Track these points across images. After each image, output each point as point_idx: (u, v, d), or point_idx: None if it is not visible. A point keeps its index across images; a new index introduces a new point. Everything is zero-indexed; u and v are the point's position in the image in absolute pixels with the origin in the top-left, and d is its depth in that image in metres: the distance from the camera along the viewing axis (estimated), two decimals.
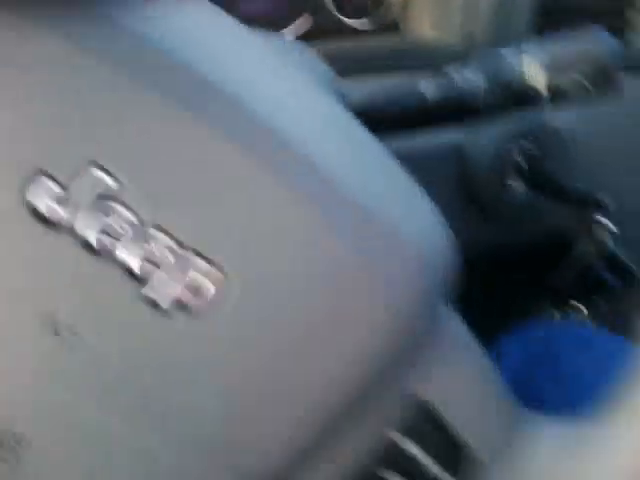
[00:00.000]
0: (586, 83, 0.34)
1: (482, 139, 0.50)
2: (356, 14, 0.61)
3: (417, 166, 0.52)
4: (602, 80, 0.34)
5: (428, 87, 0.38)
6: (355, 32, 0.61)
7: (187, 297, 0.20)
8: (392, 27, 0.61)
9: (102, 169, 0.19)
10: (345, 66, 0.55)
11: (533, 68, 0.35)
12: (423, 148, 0.51)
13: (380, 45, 0.56)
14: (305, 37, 0.60)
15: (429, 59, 0.53)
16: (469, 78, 0.37)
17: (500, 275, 0.59)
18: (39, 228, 0.19)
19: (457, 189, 0.53)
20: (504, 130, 0.50)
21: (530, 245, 0.57)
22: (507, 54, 0.36)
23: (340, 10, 0.60)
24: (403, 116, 0.41)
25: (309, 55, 0.43)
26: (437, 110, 0.38)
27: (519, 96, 0.36)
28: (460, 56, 0.52)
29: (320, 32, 0.60)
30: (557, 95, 0.35)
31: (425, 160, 0.51)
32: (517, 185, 0.51)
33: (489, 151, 0.50)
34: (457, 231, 0.54)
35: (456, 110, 0.38)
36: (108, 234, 0.19)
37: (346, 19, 0.61)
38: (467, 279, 0.63)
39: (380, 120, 0.40)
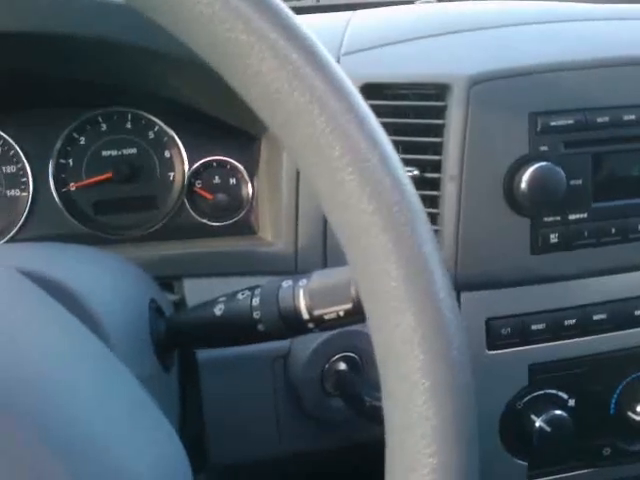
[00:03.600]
0: (342, 315, 0.37)
1: (306, 348, 0.53)
2: (214, 216, 0.66)
3: (246, 372, 0.54)
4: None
5: (220, 308, 0.41)
6: (211, 232, 0.65)
7: None
8: (248, 230, 0.66)
9: None
10: (194, 266, 0.59)
11: (302, 300, 0.38)
12: (252, 354, 0.54)
13: (228, 248, 0.60)
14: (161, 236, 0.64)
15: (264, 265, 0.58)
16: (252, 304, 0.40)
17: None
18: None
19: (285, 393, 0.55)
20: (328, 339, 0.53)
21: (353, 448, 0.58)
22: (285, 286, 0.39)
23: (197, 211, 0.66)
24: (204, 332, 0.43)
25: (130, 269, 0.47)
26: (224, 328, 0.41)
27: (290, 323, 0.38)
28: (291, 263, 0.57)
29: (176, 231, 0.65)
30: (321, 323, 0.38)
31: (254, 366, 0.54)
32: (336, 393, 0.53)
33: (312, 360, 0.53)
34: (285, 432, 0.56)
35: (238, 329, 0.40)
36: None
37: (203, 220, 0.66)
38: (299, 476, 0.63)
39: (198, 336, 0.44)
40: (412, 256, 0.23)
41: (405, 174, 0.24)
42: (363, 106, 0.24)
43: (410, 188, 0.24)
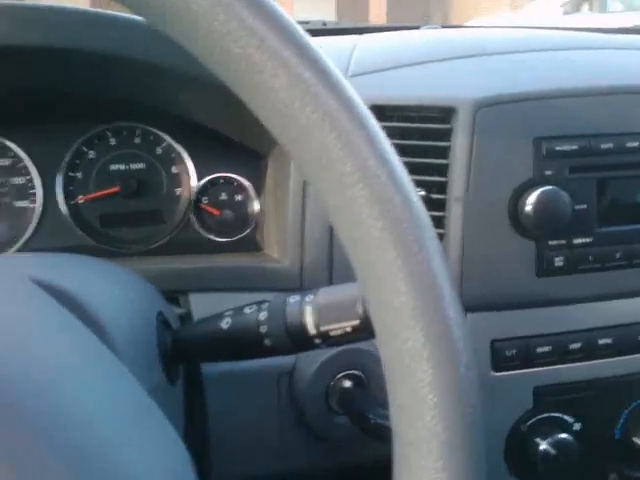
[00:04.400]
0: (349, 331, 0.37)
1: (311, 364, 0.53)
2: (220, 232, 0.66)
3: (251, 387, 0.54)
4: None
5: (227, 322, 0.41)
6: (217, 248, 0.66)
7: None
8: (254, 246, 0.66)
9: None
10: (200, 281, 0.59)
11: (309, 315, 0.38)
12: (257, 370, 0.54)
13: (234, 264, 0.60)
14: (167, 251, 0.65)
15: (269, 282, 0.58)
16: (259, 319, 0.40)
17: None
18: None
19: (289, 410, 0.55)
20: (333, 357, 0.53)
21: (356, 467, 0.57)
22: (292, 301, 0.39)
23: (203, 226, 0.66)
24: (210, 346, 0.43)
25: (137, 281, 0.47)
26: (231, 341, 0.41)
27: (297, 338, 0.39)
28: (296, 280, 0.57)
29: (182, 246, 0.65)
30: (327, 339, 0.38)
31: (259, 381, 0.54)
32: (341, 410, 0.53)
33: (317, 377, 0.53)
34: (289, 449, 0.56)
35: (244, 344, 0.40)
36: None
37: (209, 235, 0.66)
38: None
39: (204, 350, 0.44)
40: (421, 272, 0.24)
41: (414, 191, 0.25)
42: (374, 124, 0.25)
43: (419, 205, 0.25)
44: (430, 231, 0.24)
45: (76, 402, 0.26)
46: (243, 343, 0.41)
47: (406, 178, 0.24)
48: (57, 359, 0.28)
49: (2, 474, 0.22)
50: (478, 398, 0.24)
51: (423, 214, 0.24)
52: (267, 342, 0.40)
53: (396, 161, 0.25)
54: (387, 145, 0.25)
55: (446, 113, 0.56)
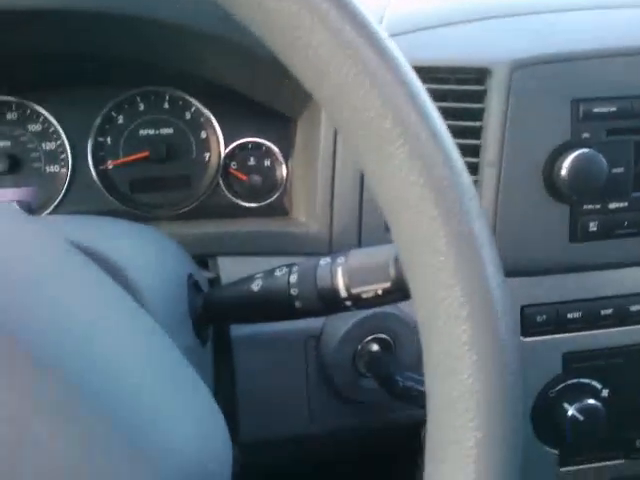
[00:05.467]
0: (380, 293, 0.37)
1: (339, 328, 0.53)
2: (248, 197, 0.66)
3: (279, 350, 0.55)
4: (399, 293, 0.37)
5: (258, 284, 0.42)
6: (245, 213, 0.66)
7: None
8: (281, 211, 0.66)
9: None
10: (229, 245, 0.60)
11: (340, 278, 0.38)
12: (285, 333, 0.54)
13: (262, 229, 0.60)
14: (195, 216, 0.65)
15: (297, 246, 0.58)
16: (290, 281, 0.40)
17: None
18: None
19: (317, 373, 0.55)
20: (360, 321, 0.53)
21: (383, 429, 0.58)
22: (323, 263, 0.39)
23: (231, 191, 0.66)
24: (241, 308, 0.43)
25: (169, 244, 0.47)
26: (261, 304, 0.41)
27: (327, 300, 0.39)
28: (325, 245, 0.57)
29: (210, 211, 0.65)
30: (359, 301, 0.38)
31: (287, 345, 0.55)
32: (368, 373, 0.53)
33: (344, 340, 0.53)
34: (316, 412, 0.56)
35: (274, 306, 0.40)
36: None
37: (237, 200, 0.66)
38: (328, 455, 0.64)
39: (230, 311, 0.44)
40: (462, 231, 0.23)
41: (455, 150, 0.24)
42: (415, 80, 0.24)
43: (460, 164, 0.24)
44: (471, 190, 0.24)
45: (111, 356, 0.26)
46: (274, 305, 0.41)
47: (447, 136, 0.24)
48: (93, 316, 0.28)
49: (43, 421, 0.23)
50: (517, 359, 0.24)
51: (464, 172, 0.24)
52: (298, 304, 0.40)
53: (438, 118, 0.24)
54: (429, 102, 0.24)
55: (480, 74, 0.54)
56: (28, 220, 0.34)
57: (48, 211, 0.64)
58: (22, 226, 0.32)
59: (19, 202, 0.62)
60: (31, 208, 0.62)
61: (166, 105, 0.65)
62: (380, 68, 0.23)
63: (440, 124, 0.24)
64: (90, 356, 0.26)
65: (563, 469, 0.61)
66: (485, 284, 0.23)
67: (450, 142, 0.24)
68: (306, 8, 0.23)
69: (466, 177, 0.24)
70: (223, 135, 0.66)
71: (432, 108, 0.24)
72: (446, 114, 0.55)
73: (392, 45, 0.24)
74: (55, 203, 0.64)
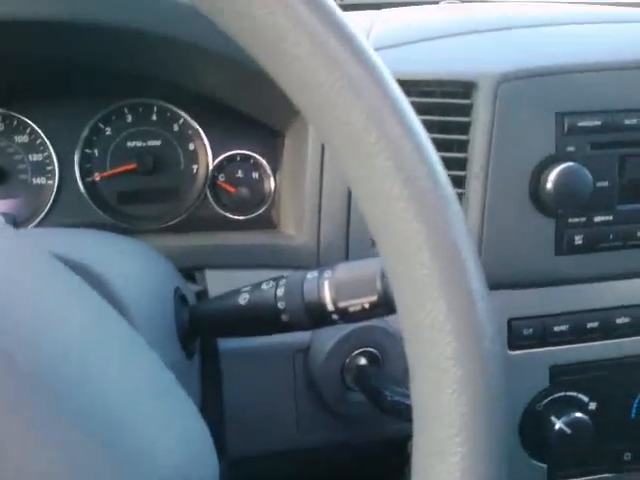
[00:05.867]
0: (367, 307, 0.37)
1: (326, 342, 0.53)
2: (235, 209, 0.66)
3: (266, 364, 0.54)
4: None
5: (245, 298, 0.41)
6: (233, 226, 0.66)
7: None
8: (269, 224, 0.66)
9: None
10: (216, 258, 0.59)
11: (327, 291, 0.38)
12: (272, 347, 0.54)
13: (250, 242, 0.60)
14: (183, 228, 0.65)
15: (285, 259, 0.58)
16: (277, 294, 0.40)
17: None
18: None
19: (305, 387, 0.55)
20: (348, 334, 0.53)
21: (371, 443, 0.58)
22: (310, 277, 0.39)
23: (219, 204, 0.66)
24: (228, 321, 0.43)
25: (156, 257, 0.47)
26: (248, 317, 0.41)
27: (315, 314, 0.39)
28: (312, 258, 0.57)
29: (198, 224, 0.65)
30: (346, 315, 0.38)
31: (274, 359, 0.54)
32: (356, 387, 0.53)
33: (332, 354, 0.53)
34: (304, 425, 0.56)
35: (261, 319, 0.40)
36: None
37: (225, 213, 0.66)
38: (316, 469, 0.63)
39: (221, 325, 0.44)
40: (446, 244, 0.23)
41: (439, 163, 0.24)
42: (399, 93, 0.24)
43: (444, 177, 0.24)
44: (455, 203, 0.24)
45: (96, 374, 0.26)
46: (260, 319, 0.41)
47: (431, 149, 0.24)
48: (78, 330, 0.28)
49: (26, 442, 0.22)
50: (502, 371, 0.24)
51: (448, 186, 0.24)
52: (285, 318, 0.40)
53: (422, 132, 0.24)
54: (413, 115, 0.24)
55: (467, 88, 0.55)
56: (13, 233, 0.34)
57: (34, 223, 0.64)
58: (6, 239, 0.32)
59: (4, 214, 0.61)
60: (16, 221, 0.62)
61: (154, 117, 0.65)
62: (364, 82, 0.23)
63: (424, 137, 0.24)
64: (74, 370, 0.25)
65: None
66: (469, 297, 0.23)
67: (434, 155, 0.24)
68: (292, 21, 0.23)
69: (450, 190, 0.24)
70: (211, 147, 0.66)
71: (416, 122, 0.24)
72: (432, 127, 0.56)
73: (377, 59, 0.24)
74: (42, 215, 0.64)
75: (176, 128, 0.66)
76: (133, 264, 0.41)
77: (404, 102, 0.24)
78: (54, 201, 0.64)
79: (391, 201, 0.23)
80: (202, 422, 0.31)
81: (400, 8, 0.77)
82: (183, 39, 0.52)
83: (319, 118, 0.24)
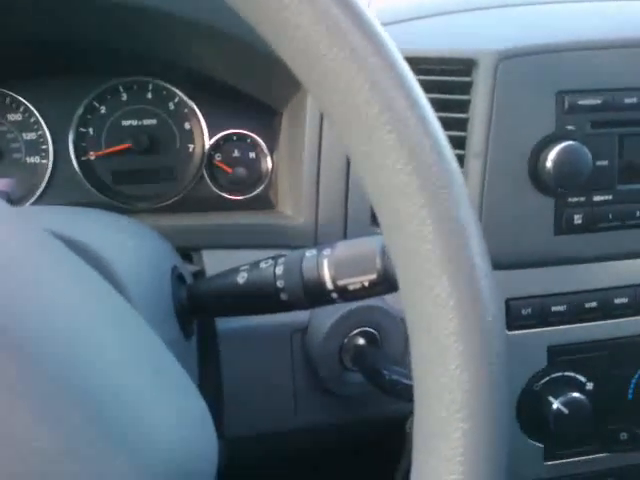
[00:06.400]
0: (367, 285, 0.37)
1: (325, 322, 0.53)
2: (232, 189, 0.65)
3: (264, 344, 0.54)
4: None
5: (243, 276, 0.41)
6: (230, 206, 0.65)
7: None
8: (267, 204, 0.66)
9: None
10: (213, 238, 0.59)
11: (326, 269, 0.38)
12: (270, 327, 0.53)
13: (247, 221, 0.60)
14: (179, 208, 0.64)
15: (283, 239, 0.57)
16: (275, 273, 0.40)
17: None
18: None
19: (303, 367, 0.55)
20: (346, 314, 0.53)
21: (369, 422, 0.58)
22: (309, 255, 0.39)
23: (216, 184, 0.65)
24: (226, 300, 0.43)
25: (152, 236, 0.46)
26: (247, 296, 0.41)
27: (314, 293, 0.38)
28: (310, 237, 0.57)
29: (194, 204, 0.65)
30: (345, 293, 0.38)
31: (272, 338, 0.54)
32: (354, 367, 0.53)
33: (330, 334, 0.53)
34: (302, 405, 0.56)
35: (260, 298, 0.40)
36: None
37: (222, 193, 0.65)
38: (314, 449, 0.63)
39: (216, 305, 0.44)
40: (449, 218, 0.23)
41: (444, 136, 0.24)
42: (403, 65, 0.24)
43: (448, 150, 0.24)
44: (459, 177, 0.24)
45: (94, 351, 0.26)
46: (259, 297, 0.41)
47: (435, 122, 0.24)
48: (74, 308, 0.27)
49: (26, 417, 0.22)
50: (504, 349, 0.23)
51: (452, 159, 0.24)
52: (283, 296, 0.40)
53: (426, 104, 0.24)
54: (417, 87, 0.24)
55: (467, 65, 0.54)
56: (7, 210, 0.33)
57: (29, 203, 0.63)
58: (3, 216, 0.31)
59: None
60: (10, 199, 0.61)
61: (149, 95, 0.64)
62: (369, 53, 0.23)
63: (429, 110, 0.24)
64: (72, 349, 0.25)
65: (548, 463, 0.61)
66: (472, 273, 0.23)
67: (439, 129, 0.24)
68: None
69: (455, 164, 0.24)
70: (207, 126, 0.65)
71: (421, 94, 0.24)
72: (432, 105, 0.55)
73: (381, 30, 0.24)
74: (36, 195, 0.63)
75: (172, 107, 0.65)
76: (130, 242, 0.41)
77: (409, 74, 0.24)
78: (49, 180, 0.63)
79: (394, 174, 0.23)
80: (201, 399, 0.31)
81: None
82: (181, 16, 0.51)
83: (320, 90, 0.23)
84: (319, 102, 0.24)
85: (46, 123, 0.63)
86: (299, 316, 0.53)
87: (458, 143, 0.55)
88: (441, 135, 0.24)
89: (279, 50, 0.24)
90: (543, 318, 0.57)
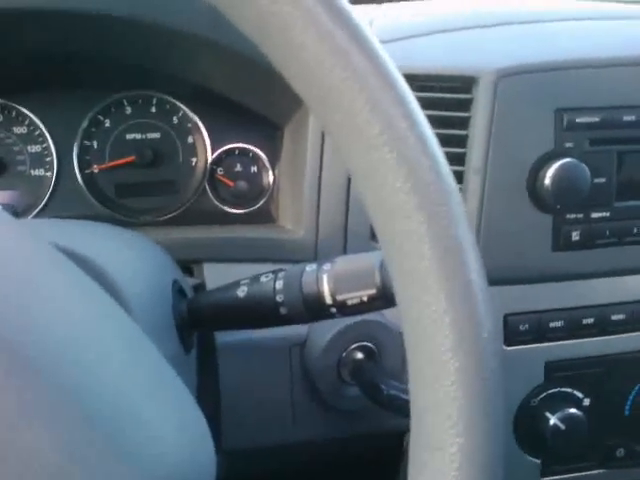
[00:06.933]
0: (366, 300, 0.37)
1: (323, 336, 0.53)
2: (234, 203, 0.66)
3: (263, 357, 0.54)
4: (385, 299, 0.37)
5: (243, 290, 0.42)
6: (231, 219, 0.66)
7: None
8: (267, 218, 0.66)
9: None
10: (214, 251, 0.59)
11: (325, 284, 0.38)
12: (269, 341, 0.54)
13: (248, 235, 0.60)
14: (181, 221, 0.65)
15: (283, 253, 0.58)
16: (275, 287, 0.40)
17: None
18: None
19: (301, 381, 0.55)
20: (345, 329, 0.53)
21: (367, 437, 0.58)
22: (309, 270, 0.39)
23: (218, 197, 0.66)
24: (226, 314, 0.43)
25: (154, 249, 0.47)
26: (247, 310, 0.41)
27: (313, 307, 0.39)
28: (310, 252, 0.57)
29: (196, 217, 0.65)
30: (344, 308, 0.38)
31: (271, 352, 0.54)
32: (353, 381, 0.53)
33: (329, 348, 0.53)
34: (300, 419, 0.56)
35: (260, 312, 0.40)
36: None
37: (224, 207, 0.66)
38: (312, 463, 0.63)
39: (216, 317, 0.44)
40: (446, 236, 0.23)
41: (442, 155, 0.25)
42: (403, 85, 0.24)
43: (446, 169, 0.24)
44: (457, 196, 0.24)
45: (94, 364, 0.26)
46: (259, 311, 0.41)
47: (434, 142, 0.24)
48: (76, 321, 0.28)
49: (32, 430, 0.22)
50: (499, 364, 0.24)
51: (450, 178, 0.24)
52: (283, 311, 0.40)
53: (425, 124, 0.24)
54: (416, 107, 0.24)
55: (467, 83, 0.55)
56: (12, 223, 0.34)
57: (32, 215, 0.63)
58: (5, 229, 0.32)
59: (3, 205, 0.61)
60: (15, 212, 0.62)
61: (153, 109, 0.65)
62: (369, 73, 0.23)
63: (428, 130, 0.24)
64: (74, 361, 0.25)
65: (545, 478, 0.61)
66: (469, 291, 0.23)
67: (437, 148, 0.24)
68: (299, 10, 0.23)
69: (452, 183, 0.24)
70: (210, 140, 0.66)
71: (420, 114, 0.24)
72: (432, 122, 0.55)
73: (382, 50, 0.24)
74: (40, 207, 0.64)
75: (175, 121, 0.66)
76: (131, 256, 0.41)
77: (409, 94, 0.24)
78: (52, 193, 0.64)
79: (393, 193, 0.23)
80: (200, 412, 0.31)
81: (401, 2, 0.77)
82: (183, 30, 0.52)
83: (323, 108, 0.24)
84: (320, 120, 0.25)
85: (51, 136, 0.63)
86: (298, 330, 0.54)
87: (458, 159, 0.55)
88: (440, 154, 0.24)
89: (282, 69, 0.25)
90: (541, 334, 0.58)
